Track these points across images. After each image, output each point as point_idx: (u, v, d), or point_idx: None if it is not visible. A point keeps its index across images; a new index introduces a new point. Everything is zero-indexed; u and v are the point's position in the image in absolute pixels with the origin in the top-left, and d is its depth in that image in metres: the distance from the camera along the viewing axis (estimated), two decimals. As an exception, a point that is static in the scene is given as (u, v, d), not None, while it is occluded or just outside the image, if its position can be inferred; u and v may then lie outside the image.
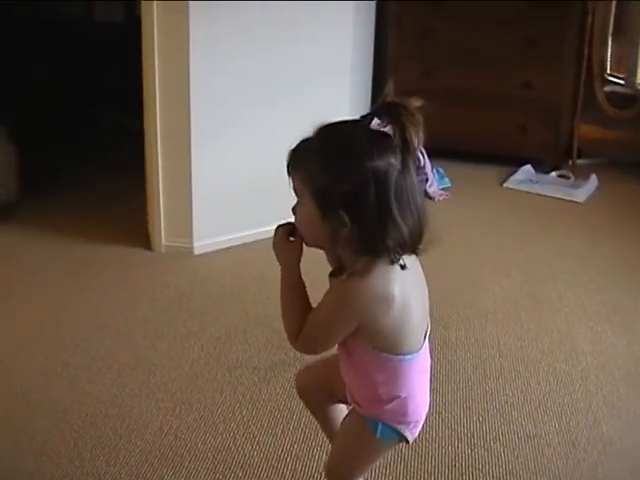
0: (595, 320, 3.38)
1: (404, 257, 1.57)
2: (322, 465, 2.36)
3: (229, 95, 3.70)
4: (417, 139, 1.51)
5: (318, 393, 2.06)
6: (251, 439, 2.50)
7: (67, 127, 5.28)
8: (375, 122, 1.53)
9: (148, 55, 3.58)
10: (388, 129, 1.52)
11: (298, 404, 2.65)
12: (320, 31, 3.93)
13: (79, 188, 4.64)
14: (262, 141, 3.85)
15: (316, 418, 2.17)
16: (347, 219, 1.50)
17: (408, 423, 1.76)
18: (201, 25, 3.51)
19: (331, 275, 1.70)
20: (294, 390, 2.70)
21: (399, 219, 1.50)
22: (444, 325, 3.20)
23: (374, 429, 1.76)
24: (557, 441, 2.55)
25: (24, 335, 3.13)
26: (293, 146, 1.59)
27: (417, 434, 1.83)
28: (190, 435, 2.52)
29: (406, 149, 1.51)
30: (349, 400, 1.87)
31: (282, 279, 1.72)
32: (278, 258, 1.72)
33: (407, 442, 1.80)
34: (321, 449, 2.44)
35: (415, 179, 1.54)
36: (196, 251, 3.81)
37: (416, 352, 1.69)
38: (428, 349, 1.78)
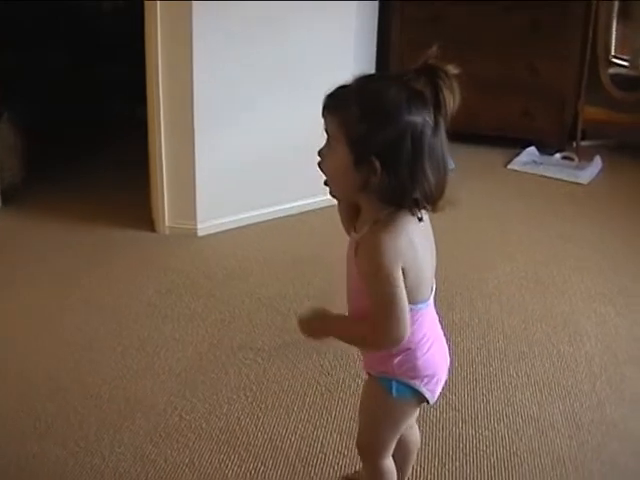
0: (599, 302, 3.38)
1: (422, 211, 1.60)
2: (326, 445, 2.38)
3: (232, 80, 3.70)
4: (451, 102, 1.56)
5: None
6: (255, 420, 2.51)
7: (73, 114, 5.26)
8: None
9: (151, 42, 3.56)
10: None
11: (302, 385, 2.68)
12: (323, 21, 3.91)
13: (83, 173, 4.63)
14: (264, 124, 3.85)
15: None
16: (379, 167, 1.51)
17: (421, 378, 1.75)
18: (204, 13, 3.50)
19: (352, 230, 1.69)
20: (298, 371, 2.74)
21: (429, 173, 1.53)
22: (448, 306, 3.20)
23: (389, 388, 1.76)
24: (561, 423, 2.56)
25: (28, 317, 3.13)
26: (330, 90, 1.58)
27: (438, 393, 1.81)
28: (194, 416, 2.52)
29: (438, 109, 1.55)
30: (364, 368, 1.89)
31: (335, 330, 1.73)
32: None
33: (428, 402, 1.79)
34: (325, 429, 2.45)
35: (445, 138, 1.57)
36: (200, 233, 3.81)
37: (424, 303, 1.70)
38: (434, 307, 1.78)
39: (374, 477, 1.96)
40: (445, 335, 1.83)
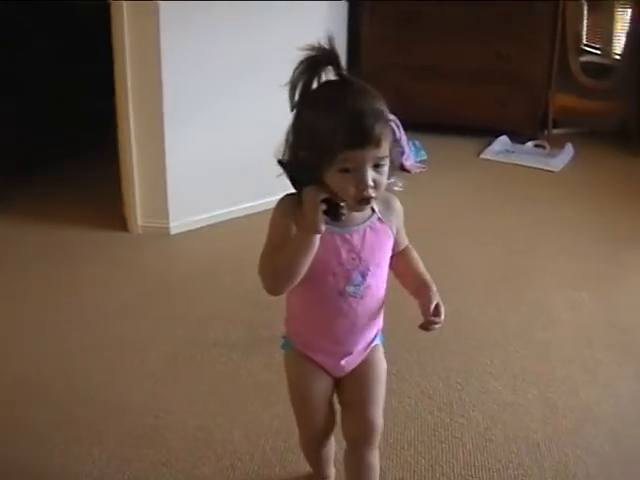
0: (573, 288, 3.40)
1: None
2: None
3: (201, 77, 3.69)
4: None
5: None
6: (231, 416, 2.50)
7: (45, 113, 5.24)
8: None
9: (118, 38, 3.56)
10: None
11: (277, 380, 2.65)
12: (293, 19, 3.93)
13: (53, 174, 4.61)
14: (235, 122, 3.85)
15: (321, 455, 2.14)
16: None
17: None
18: (172, 8, 3.49)
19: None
20: (273, 366, 2.73)
21: None
22: (422, 297, 3.20)
23: (383, 343, 1.92)
24: (535, 408, 2.57)
25: (2, 320, 3.11)
26: (372, 112, 1.55)
27: None
28: (171, 415, 2.51)
29: None
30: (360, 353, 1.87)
31: (305, 239, 1.63)
32: (313, 217, 1.59)
33: None
34: (301, 423, 2.45)
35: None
36: (172, 231, 3.80)
37: None
38: None
39: (376, 459, 1.95)
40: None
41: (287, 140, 1.66)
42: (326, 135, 1.53)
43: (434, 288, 1.81)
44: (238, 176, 3.91)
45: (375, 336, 1.88)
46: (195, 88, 3.68)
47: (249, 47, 3.80)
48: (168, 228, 3.80)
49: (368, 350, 1.87)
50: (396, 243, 1.81)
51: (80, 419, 2.49)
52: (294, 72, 1.62)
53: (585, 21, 5.57)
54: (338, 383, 1.91)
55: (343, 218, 1.61)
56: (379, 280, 1.78)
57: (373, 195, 1.59)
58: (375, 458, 1.93)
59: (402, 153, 4.61)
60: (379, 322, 1.88)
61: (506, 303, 3.23)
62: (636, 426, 2.52)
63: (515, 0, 5.11)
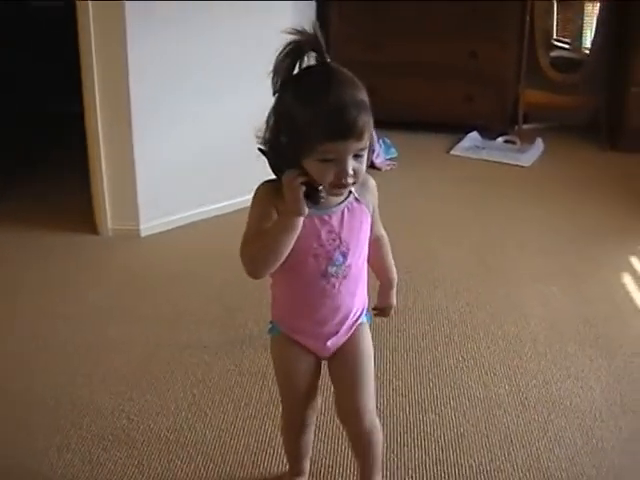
0: (543, 283, 3.42)
1: None
2: (274, 438, 2.37)
3: (169, 78, 3.68)
4: None
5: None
6: (203, 417, 2.49)
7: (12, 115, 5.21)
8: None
9: (85, 40, 3.53)
10: None
11: (249, 380, 2.67)
12: (259, 15, 3.91)
13: (22, 177, 4.58)
14: (204, 122, 3.85)
15: (300, 445, 2.14)
16: None
17: None
18: (137, 9, 3.47)
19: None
20: (244, 366, 2.73)
21: None
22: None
23: (369, 319, 1.95)
24: (507, 402, 2.58)
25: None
26: (355, 104, 1.56)
27: None
28: (142, 417, 2.50)
29: None
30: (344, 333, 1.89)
31: (288, 222, 1.63)
32: (295, 201, 1.59)
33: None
34: (272, 423, 2.44)
35: None
36: (143, 233, 3.78)
37: None
38: None
39: (375, 436, 1.97)
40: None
41: (268, 122, 1.66)
42: (307, 126, 1.55)
43: (394, 289, 2.01)
44: (208, 177, 3.90)
45: (360, 314, 1.89)
46: (163, 89, 3.66)
47: (217, 46, 3.80)
48: (138, 230, 3.78)
49: (353, 328, 1.89)
50: (371, 228, 1.84)
51: (51, 423, 2.47)
52: (277, 56, 1.62)
53: (555, 16, 5.60)
54: (327, 363, 1.94)
55: (322, 201, 1.62)
56: (360, 259, 1.81)
57: (351, 182, 1.61)
58: (373, 435, 1.96)
59: (372, 151, 4.59)
60: (363, 300, 1.90)
61: (477, 298, 3.24)
62: (607, 418, 2.53)
63: (483, -1, 5.14)
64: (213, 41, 3.78)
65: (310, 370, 1.92)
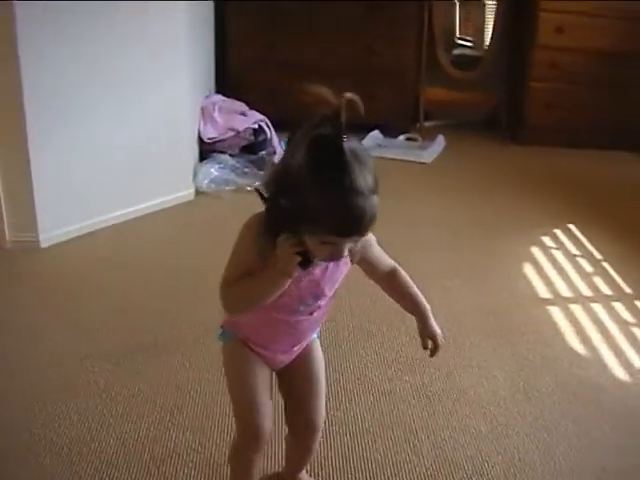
0: (446, 277, 3.46)
1: None
2: (179, 444, 2.35)
3: (64, 83, 3.59)
4: None
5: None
6: (107, 427, 2.45)
7: None
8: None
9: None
10: None
11: (152, 386, 2.64)
12: (151, 22, 3.90)
13: None
14: (102, 129, 3.79)
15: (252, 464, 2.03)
16: None
17: None
18: (29, 21, 3.39)
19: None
20: (147, 373, 2.70)
21: None
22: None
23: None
24: (412, 395, 2.61)
25: None
26: (365, 204, 1.54)
27: None
28: (44, 430, 2.44)
29: None
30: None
31: (277, 279, 1.63)
32: (288, 266, 1.60)
33: None
34: (177, 429, 2.42)
35: None
36: (43, 244, 3.70)
37: None
38: None
39: (316, 444, 2.01)
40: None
41: (274, 175, 1.60)
42: (314, 214, 1.49)
43: (431, 316, 2.00)
44: (107, 184, 3.84)
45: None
46: (59, 94, 3.58)
47: (113, 56, 3.75)
48: (38, 241, 3.69)
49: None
50: (372, 268, 1.92)
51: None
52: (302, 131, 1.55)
53: (458, 15, 5.69)
54: (278, 375, 1.94)
55: (311, 269, 1.65)
56: (329, 300, 1.83)
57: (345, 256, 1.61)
58: (315, 443, 1.99)
59: (273, 153, 4.61)
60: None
61: (379, 295, 3.22)
62: (511, 405, 2.59)
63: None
64: (106, 48, 3.72)
65: (267, 377, 1.89)
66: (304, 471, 2.16)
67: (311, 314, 1.80)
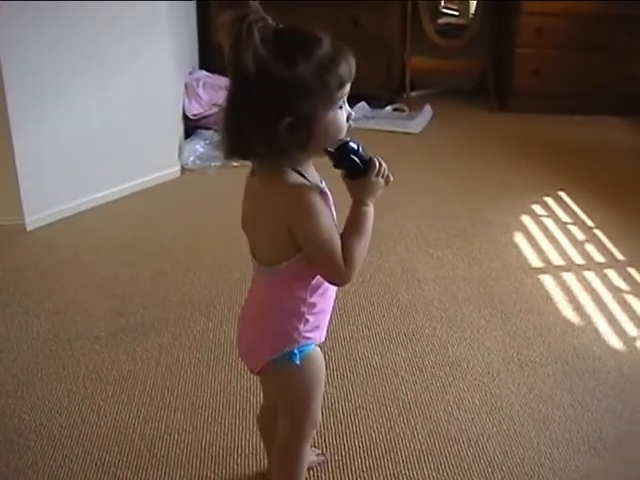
0: (435, 247, 3.44)
1: None
2: (170, 425, 2.33)
3: (46, 64, 3.53)
4: None
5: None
6: (97, 410, 2.43)
7: None
8: None
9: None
10: None
11: (142, 367, 2.62)
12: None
13: None
14: (84, 109, 3.74)
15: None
16: None
17: None
18: (8, 1, 3.32)
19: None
20: (137, 354, 2.68)
21: None
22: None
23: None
24: (404, 369, 2.59)
25: None
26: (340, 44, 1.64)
27: None
28: (34, 415, 2.42)
29: None
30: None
31: (370, 211, 1.77)
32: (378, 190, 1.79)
33: None
34: (168, 409, 2.41)
35: None
36: (28, 227, 3.65)
37: None
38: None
39: None
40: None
41: (255, 120, 1.56)
42: (323, 76, 1.54)
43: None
44: (91, 165, 3.80)
45: None
46: (40, 76, 3.52)
47: (92, 27, 3.68)
48: (24, 224, 3.64)
49: None
50: None
51: (-64, 431, 2.38)
52: (235, 39, 1.52)
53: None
54: None
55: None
56: None
57: None
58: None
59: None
60: None
61: (369, 267, 3.23)
62: (505, 376, 2.58)
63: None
64: (93, 20, 3.66)
65: None
66: None
67: None
